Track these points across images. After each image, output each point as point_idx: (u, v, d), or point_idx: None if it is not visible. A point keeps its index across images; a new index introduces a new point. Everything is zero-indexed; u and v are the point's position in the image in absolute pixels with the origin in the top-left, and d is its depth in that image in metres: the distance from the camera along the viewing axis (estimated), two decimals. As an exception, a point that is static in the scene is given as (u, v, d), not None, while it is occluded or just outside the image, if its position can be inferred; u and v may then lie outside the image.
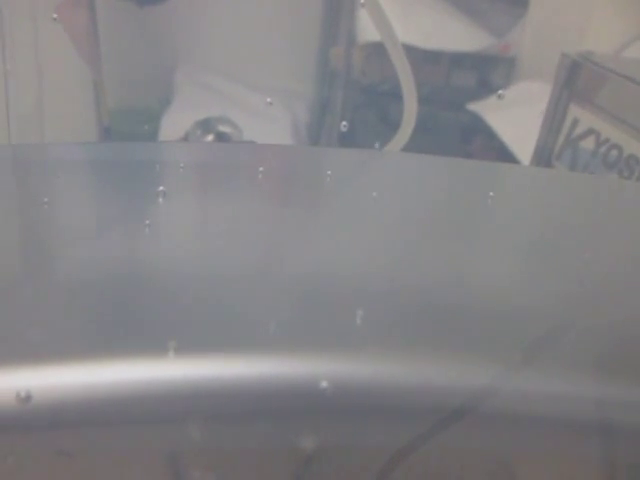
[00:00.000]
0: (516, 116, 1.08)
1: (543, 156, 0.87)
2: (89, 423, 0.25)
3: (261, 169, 0.48)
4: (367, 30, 1.17)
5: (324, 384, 0.27)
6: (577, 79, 0.83)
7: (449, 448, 0.28)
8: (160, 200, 0.41)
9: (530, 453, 0.28)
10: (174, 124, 1.12)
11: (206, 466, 0.27)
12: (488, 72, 1.24)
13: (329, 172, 0.49)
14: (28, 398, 0.24)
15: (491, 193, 0.48)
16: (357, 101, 1.17)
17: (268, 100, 1.02)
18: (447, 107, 1.20)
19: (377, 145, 0.59)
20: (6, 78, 0.71)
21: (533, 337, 0.31)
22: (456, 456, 0.28)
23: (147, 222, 0.39)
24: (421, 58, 1.20)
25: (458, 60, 1.23)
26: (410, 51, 1.16)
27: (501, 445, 0.29)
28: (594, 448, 0.28)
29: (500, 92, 1.03)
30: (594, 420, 0.28)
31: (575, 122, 0.82)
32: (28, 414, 0.24)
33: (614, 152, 0.75)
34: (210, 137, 0.87)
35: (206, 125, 0.88)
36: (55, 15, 0.72)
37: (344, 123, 0.69)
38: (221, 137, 0.86)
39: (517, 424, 0.28)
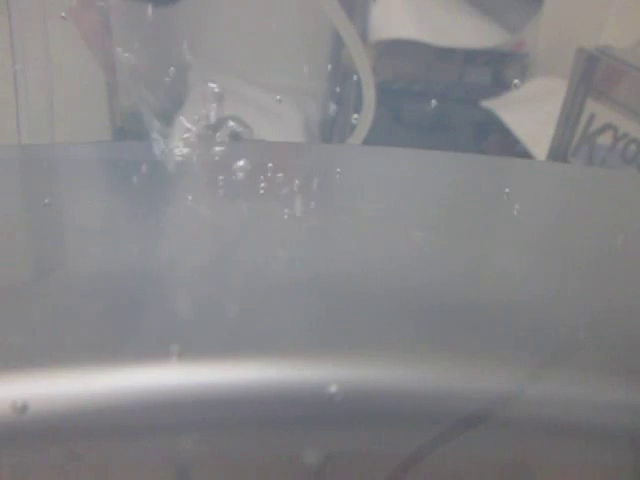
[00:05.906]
0: (531, 113, 1.07)
1: (559, 153, 0.86)
2: (87, 433, 0.24)
3: (270, 166, 0.47)
4: (379, 28, 1.17)
5: (333, 389, 0.26)
6: (594, 74, 0.81)
7: (462, 455, 0.27)
8: (171, 198, 0.40)
9: (548, 461, 0.27)
10: (186, 124, 1.12)
11: (212, 475, 0.26)
12: (502, 69, 1.23)
13: (338, 169, 0.48)
14: (24, 408, 0.23)
15: (507, 189, 0.47)
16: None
17: (277, 97, 1.02)
18: (461, 104, 1.19)
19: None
20: (16, 78, 0.71)
21: (553, 339, 0.30)
22: (469, 463, 0.27)
23: (157, 222, 0.38)
24: (434, 55, 1.19)
25: (472, 57, 1.22)
26: (423, 48, 1.15)
27: (518, 452, 0.27)
28: (617, 455, 0.27)
29: (516, 81, 1.02)
30: (616, 425, 0.27)
31: (592, 117, 0.81)
32: (24, 425, 0.23)
33: (633, 147, 0.74)
34: (221, 136, 0.87)
35: (217, 125, 0.88)
36: (63, 14, 0.72)
37: (355, 116, 0.69)
38: (232, 136, 0.86)
39: (534, 430, 0.27)
